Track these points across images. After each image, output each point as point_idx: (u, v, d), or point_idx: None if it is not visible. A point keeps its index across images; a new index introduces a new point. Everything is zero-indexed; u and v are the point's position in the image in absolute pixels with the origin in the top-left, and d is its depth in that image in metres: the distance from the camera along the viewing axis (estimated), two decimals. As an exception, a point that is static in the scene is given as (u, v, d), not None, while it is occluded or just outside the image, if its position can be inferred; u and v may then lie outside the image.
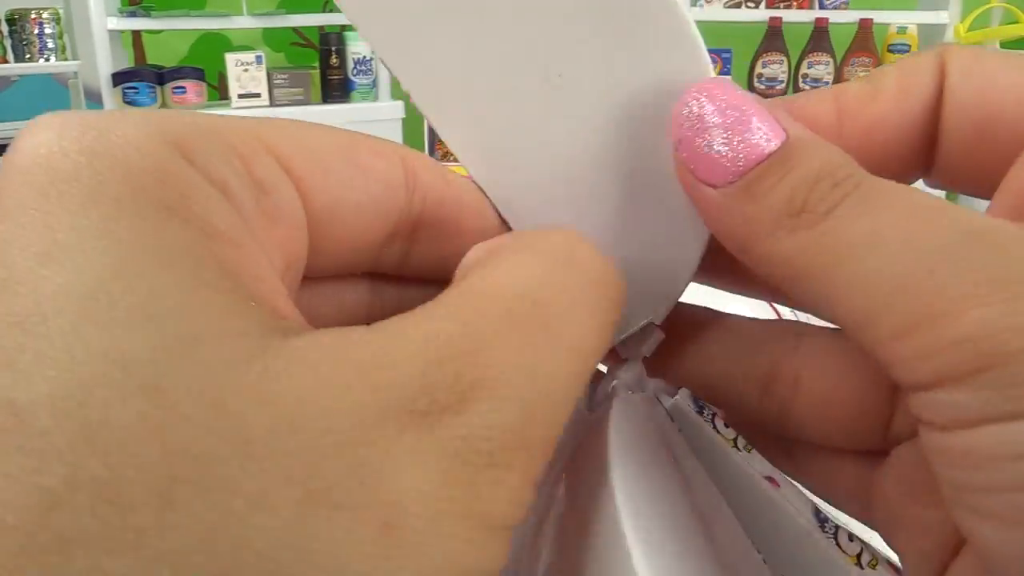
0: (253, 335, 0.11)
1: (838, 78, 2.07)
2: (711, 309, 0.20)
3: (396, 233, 0.17)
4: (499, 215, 0.19)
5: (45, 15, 2.13)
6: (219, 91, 2.16)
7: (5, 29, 2.11)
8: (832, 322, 0.15)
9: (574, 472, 0.19)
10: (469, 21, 0.17)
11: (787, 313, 0.48)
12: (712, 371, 0.20)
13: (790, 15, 2.07)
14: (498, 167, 0.18)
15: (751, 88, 2.09)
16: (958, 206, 0.14)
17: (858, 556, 0.18)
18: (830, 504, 0.19)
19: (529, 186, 0.18)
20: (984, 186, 0.17)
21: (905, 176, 0.18)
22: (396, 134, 2.08)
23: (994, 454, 0.12)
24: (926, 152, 0.18)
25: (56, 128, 0.12)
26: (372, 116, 2.07)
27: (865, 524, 0.18)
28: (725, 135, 0.16)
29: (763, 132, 0.16)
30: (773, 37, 2.06)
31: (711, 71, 0.17)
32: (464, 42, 0.17)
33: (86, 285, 0.10)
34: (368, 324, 0.14)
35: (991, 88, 0.16)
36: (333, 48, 2.04)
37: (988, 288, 0.12)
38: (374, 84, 2.09)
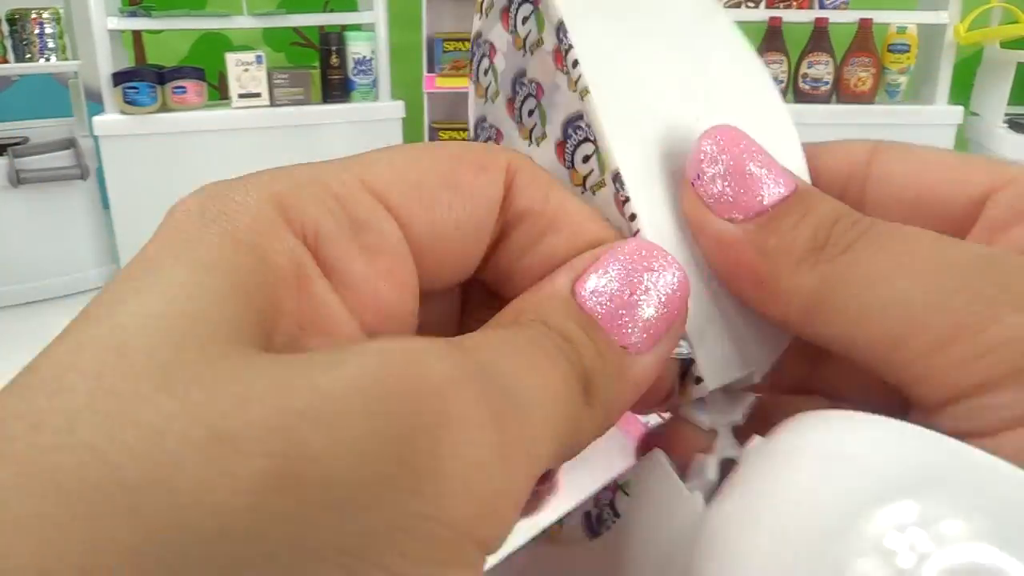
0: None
1: (838, 78, 2.07)
2: None
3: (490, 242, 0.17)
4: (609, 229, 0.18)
5: (45, 15, 2.12)
6: (219, 91, 2.17)
7: (5, 29, 2.11)
8: (849, 352, 0.16)
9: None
10: (656, 50, 0.20)
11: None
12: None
13: (790, 15, 2.07)
14: (649, 184, 0.18)
15: (751, 88, 2.08)
16: (963, 240, 0.15)
17: None
18: None
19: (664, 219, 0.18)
20: None
21: None
22: (396, 134, 2.08)
23: None
24: None
25: (200, 193, 0.14)
26: (372, 116, 2.07)
27: None
28: (742, 174, 0.17)
29: (778, 177, 0.17)
30: (773, 37, 2.05)
31: (804, 164, 0.19)
32: (647, 65, 0.19)
33: (154, 310, 0.12)
34: (458, 329, 0.19)
35: (916, 168, 0.18)
36: (333, 48, 2.04)
37: (1016, 295, 0.13)
38: (374, 84, 2.09)
